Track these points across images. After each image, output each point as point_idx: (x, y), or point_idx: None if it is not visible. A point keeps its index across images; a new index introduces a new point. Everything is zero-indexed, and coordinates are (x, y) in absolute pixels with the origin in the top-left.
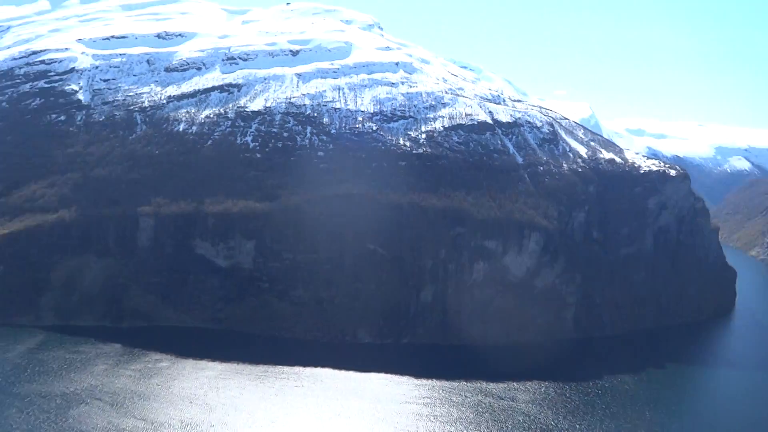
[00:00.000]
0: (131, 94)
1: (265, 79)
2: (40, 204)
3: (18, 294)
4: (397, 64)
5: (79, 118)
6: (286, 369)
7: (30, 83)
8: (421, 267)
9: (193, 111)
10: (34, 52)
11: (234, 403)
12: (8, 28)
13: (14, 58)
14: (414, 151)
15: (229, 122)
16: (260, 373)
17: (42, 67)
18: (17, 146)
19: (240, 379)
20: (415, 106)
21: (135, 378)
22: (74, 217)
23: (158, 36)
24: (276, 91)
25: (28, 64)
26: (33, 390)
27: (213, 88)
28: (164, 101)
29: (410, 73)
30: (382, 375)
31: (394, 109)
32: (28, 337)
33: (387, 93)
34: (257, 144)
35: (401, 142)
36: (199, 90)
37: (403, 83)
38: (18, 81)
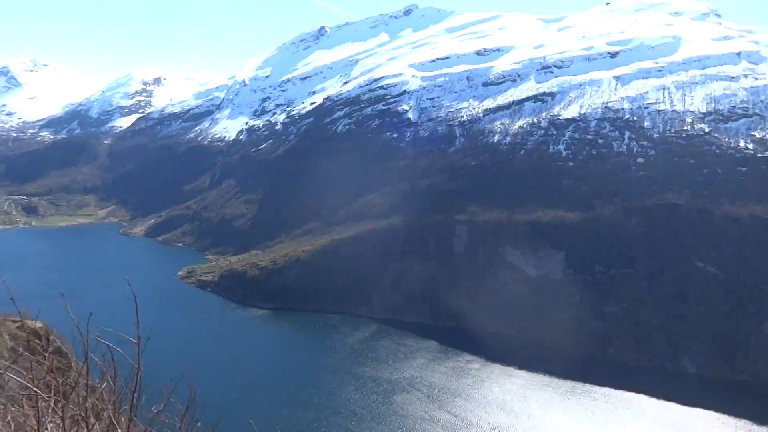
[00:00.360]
0: (452, 110)
1: (580, 85)
2: (376, 211)
3: (358, 288)
4: (738, 54)
5: (408, 135)
6: (597, 389)
7: (371, 106)
8: (766, 293)
9: (507, 122)
10: (375, 80)
11: (540, 415)
12: (357, 61)
13: (360, 86)
14: (760, 155)
15: (542, 131)
16: (568, 389)
17: (380, 91)
18: (360, 161)
19: (547, 391)
20: (761, 101)
21: (448, 375)
22: (402, 223)
23: (477, 53)
24: (591, 97)
25: (370, 90)
26: (366, 373)
27: (527, 99)
28: (481, 114)
29: (756, 64)
30: (711, 413)
31: (733, 106)
32: (364, 327)
33: (724, 89)
34: (570, 152)
35: (742, 144)
36: (513, 101)
37: (745, 76)
38: (362, 105)
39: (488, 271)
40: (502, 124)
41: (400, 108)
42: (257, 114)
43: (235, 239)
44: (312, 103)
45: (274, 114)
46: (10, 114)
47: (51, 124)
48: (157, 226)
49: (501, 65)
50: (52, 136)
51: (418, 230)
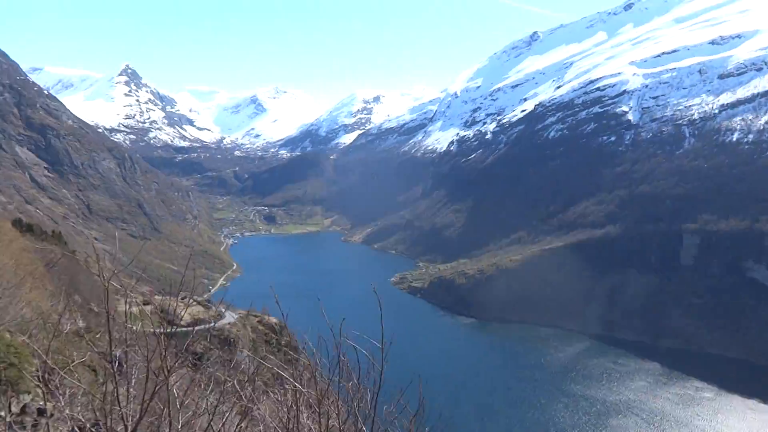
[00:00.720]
0: (680, 108)
1: None
2: (590, 220)
3: (569, 301)
4: None
5: (627, 138)
6: None
7: (586, 110)
8: None
9: (750, 118)
10: (591, 81)
11: None
12: (571, 64)
13: (574, 90)
14: None
15: None
16: None
17: (596, 93)
18: (573, 168)
19: None
20: None
21: (673, 402)
22: (618, 232)
23: (711, 43)
24: None
25: (585, 93)
26: (577, 391)
27: None
28: (716, 111)
29: None
30: None
31: None
32: (576, 342)
33: None
34: None
35: None
36: (758, 93)
37: None
38: (576, 109)
39: (724, 288)
40: (743, 120)
41: (618, 109)
42: (467, 124)
43: (445, 247)
44: (523, 111)
45: (485, 123)
46: (257, 136)
47: (288, 143)
48: (373, 234)
49: (742, 53)
50: (288, 154)
51: (637, 240)
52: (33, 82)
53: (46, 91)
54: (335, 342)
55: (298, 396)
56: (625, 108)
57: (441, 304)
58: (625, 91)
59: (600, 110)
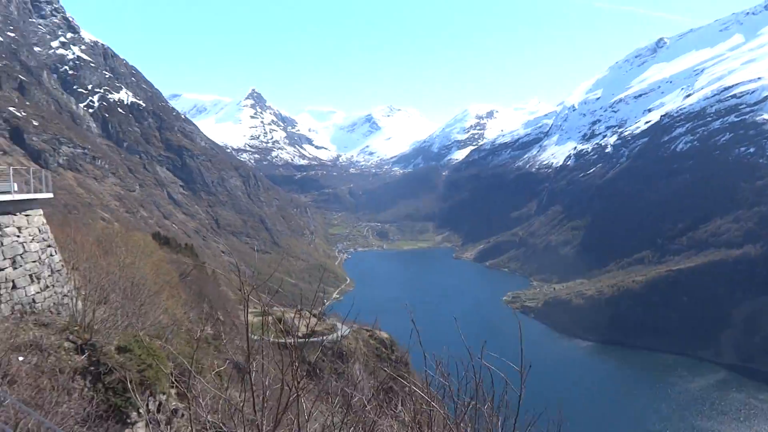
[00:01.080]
0: None
1: None
2: (725, 239)
3: (699, 327)
4: None
5: None
6: None
7: (720, 119)
8: None
9: None
10: (725, 88)
11: None
12: (702, 70)
13: (706, 98)
14: None
15: None
16: None
17: (732, 101)
18: (705, 182)
19: None
20: None
21: None
22: (759, 252)
23: None
24: None
25: (718, 101)
26: (710, 427)
27: None
28: None
29: None
30: None
31: None
32: (708, 372)
33: None
34: None
35: None
36: None
37: None
38: (708, 119)
39: None
40: None
41: (758, 118)
42: (586, 138)
43: (560, 266)
44: (647, 122)
45: (604, 136)
46: (371, 154)
47: (401, 160)
48: (485, 251)
49: None
50: (401, 171)
51: None
52: (172, 108)
53: (182, 116)
54: (471, 363)
55: (431, 415)
56: (766, 116)
57: (556, 326)
58: (766, 98)
59: (736, 119)
